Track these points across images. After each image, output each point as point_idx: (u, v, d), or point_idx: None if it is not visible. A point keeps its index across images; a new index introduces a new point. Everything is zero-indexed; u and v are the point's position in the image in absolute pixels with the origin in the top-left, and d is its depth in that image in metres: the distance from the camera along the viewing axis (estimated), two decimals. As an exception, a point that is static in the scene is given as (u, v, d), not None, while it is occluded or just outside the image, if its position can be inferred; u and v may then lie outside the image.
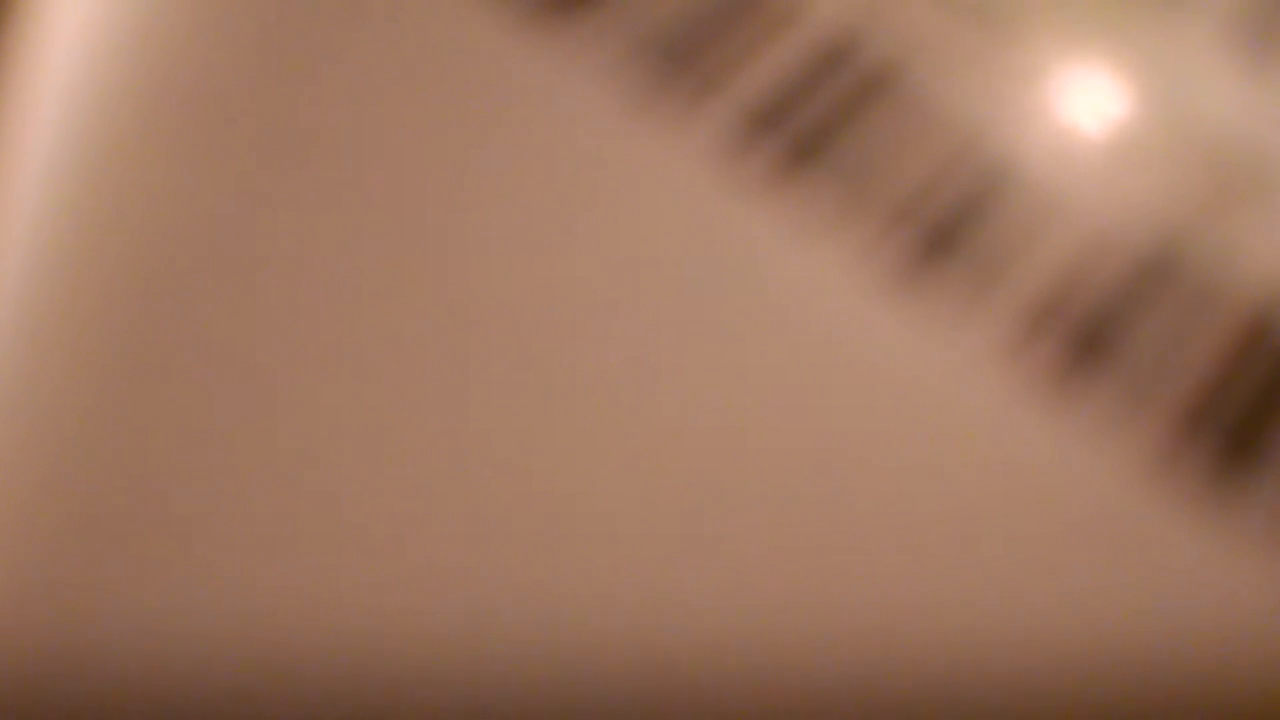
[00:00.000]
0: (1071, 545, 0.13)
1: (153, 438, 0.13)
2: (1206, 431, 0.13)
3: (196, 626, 0.12)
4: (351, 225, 0.14)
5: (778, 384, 0.13)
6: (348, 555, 0.13)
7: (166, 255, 0.14)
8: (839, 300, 0.14)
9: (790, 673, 0.12)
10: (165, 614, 0.13)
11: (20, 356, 0.14)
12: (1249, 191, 0.14)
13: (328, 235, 0.14)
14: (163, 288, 0.14)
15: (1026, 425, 0.13)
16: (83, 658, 0.12)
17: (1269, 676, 0.13)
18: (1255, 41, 0.15)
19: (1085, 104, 0.15)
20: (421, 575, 0.13)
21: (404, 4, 0.14)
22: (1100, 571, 0.13)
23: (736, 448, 0.13)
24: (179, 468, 0.13)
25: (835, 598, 0.13)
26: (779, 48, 0.15)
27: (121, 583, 0.13)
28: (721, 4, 0.15)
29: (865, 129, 0.14)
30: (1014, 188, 0.14)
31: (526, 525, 0.13)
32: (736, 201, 0.14)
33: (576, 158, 0.14)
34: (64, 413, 0.13)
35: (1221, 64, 0.15)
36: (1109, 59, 0.15)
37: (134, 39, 0.15)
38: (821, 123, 0.14)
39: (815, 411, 0.13)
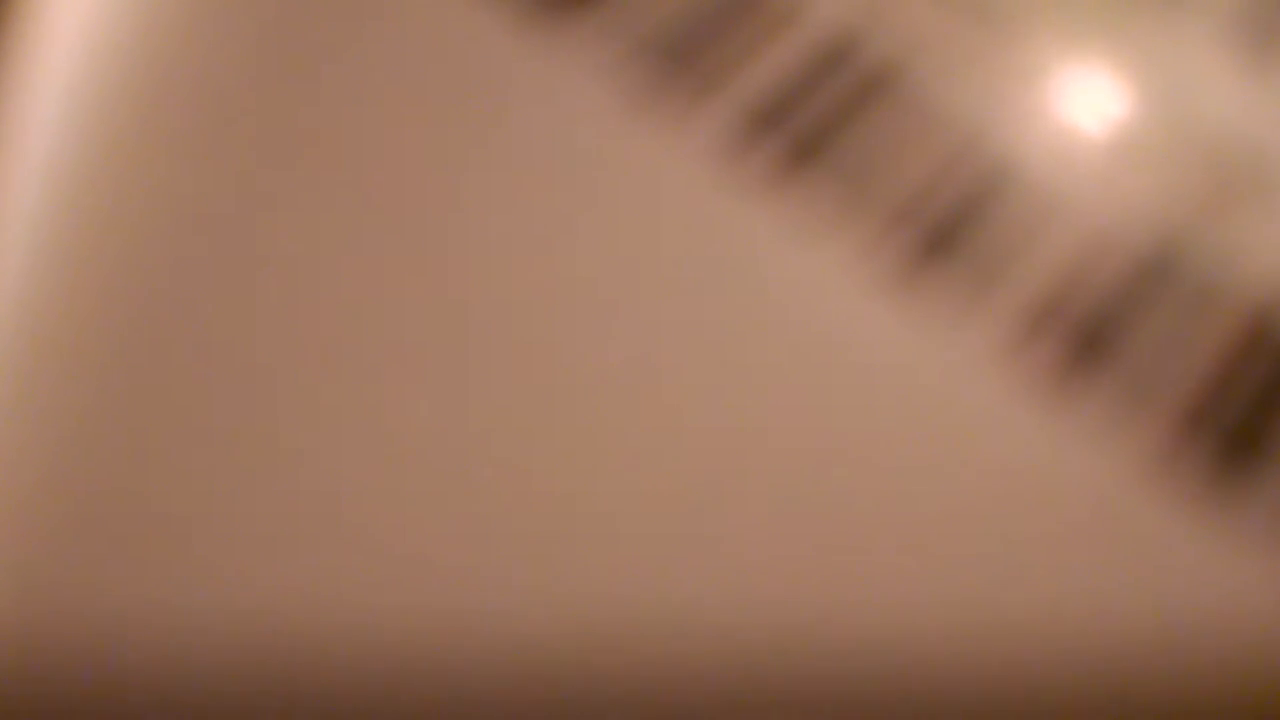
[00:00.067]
0: (1071, 545, 0.13)
1: (152, 437, 0.13)
2: (1207, 431, 0.13)
3: (196, 626, 0.12)
4: (351, 224, 0.14)
5: (777, 383, 0.13)
6: (347, 554, 0.13)
7: (166, 255, 0.14)
8: (839, 300, 0.14)
9: (790, 672, 0.12)
10: (165, 613, 0.13)
11: (20, 356, 0.14)
12: (1249, 191, 0.14)
13: (327, 235, 0.14)
14: (162, 287, 0.14)
15: (1026, 425, 0.13)
16: (82, 657, 0.12)
17: (1270, 676, 0.13)
18: (1256, 41, 0.15)
19: (1085, 104, 0.15)
20: (421, 574, 0.13)
21: (404, 3, 0.14)
22: (1100, 571, 0.13)
23: (736, 447, 0.13)
24: (179, 467, 0.13)
25: (835, 597, 0.13)
26: (779, 47, 0.15)
27: (121, 582, 0.13)
28: (722, 3, 0.15)
29: (865, 129, 0.14)
30: (1014, 187, 0.14)
31: (526, 524, 0.13)
32: (736, 201, 0.14)
33: (577, 157, 0.14)
34: (63, 412, 0.13)
35: (1222, 64, 0.15)
36: (1109, 59, 0.15)
37: (134, 39, 0.15)
38: (822, 122, 0.14)
39: (815, 411, 0.13)
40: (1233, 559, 0.13)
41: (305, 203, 0.14)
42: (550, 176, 0.14)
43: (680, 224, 0.14)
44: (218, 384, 0.13)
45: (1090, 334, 0.14)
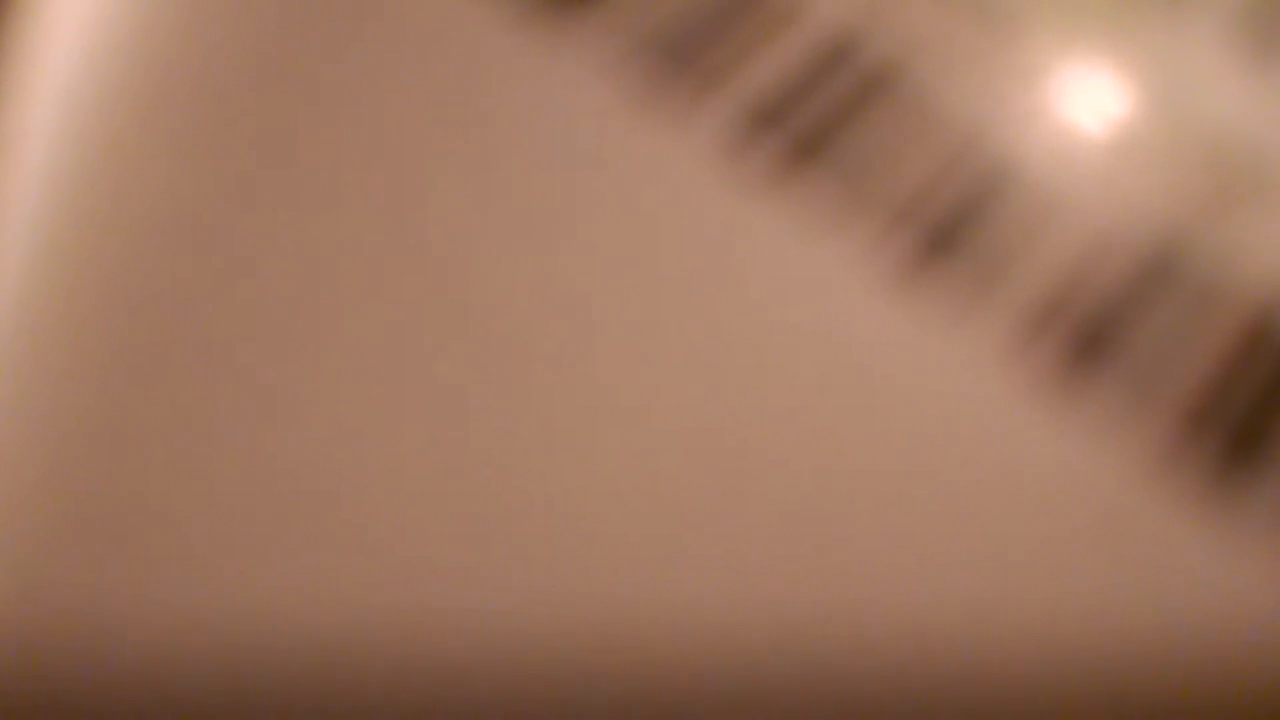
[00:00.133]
0: (1073, 544, 0.13)
1: (152, 437, 0.13)
2: (1209, 431, 0.13)
3: (196, 626, 0.12)
4: (351, 224, 0.14)
5: (778, 382, 0.13)
6: (347, 554, 0.13)
7: (166, 255, 0.14)
8: (840, 299, 0.14)
9: (791, 672, 0.12)
10: (165, 613, 0.13)
11: (20, 356, 0.13)
12: (1251, 191, 0.14)
13: (327, 234, 0.14)
14: (162, 287, 0.14)
15: (1028, 424, 0.13)
16: (82, 657, 0.12)
17: (1271, 676, 0.13)
18: (1257, 41, 0.15)
19: (1087, 103, 0.15)
20: (421, 574, 0.13)
21: (405, 3, 0.14)
22: (1102, 571, 0.13)
23: (736, 446, 0.13)
24: (178, 467, 0.13)
25: (836, 596, 0.13)
26: (780, 46, 0.15)
27: (121, 582, 0.13)
28: (723, 2, 0.15)
29: (866, 128, 0.14)
30: (1015, 187, 0.14)
31: (527, 524, 0.13)
32: (737, 200, 0.14)
33: (578, 156, 0.14)
34: (63, 412, 0.13)
35: (1223, 63, 0.15)
36: (1110, 58, 0.15)
37: (134, 39, 0.15)
38: (822, 121, 0.14)
39: (816, 410, 0.13)
40: (1234, 558, 0.13)
41: (305, 202, 0.14)
42: (551, 175, 0.14)
43: (681, 222, 0.14)
44: (217, 384, 0.13)
45: (1092, 333, 0.14)
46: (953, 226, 0.14)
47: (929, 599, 0.13)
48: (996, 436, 0.13)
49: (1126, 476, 0.13)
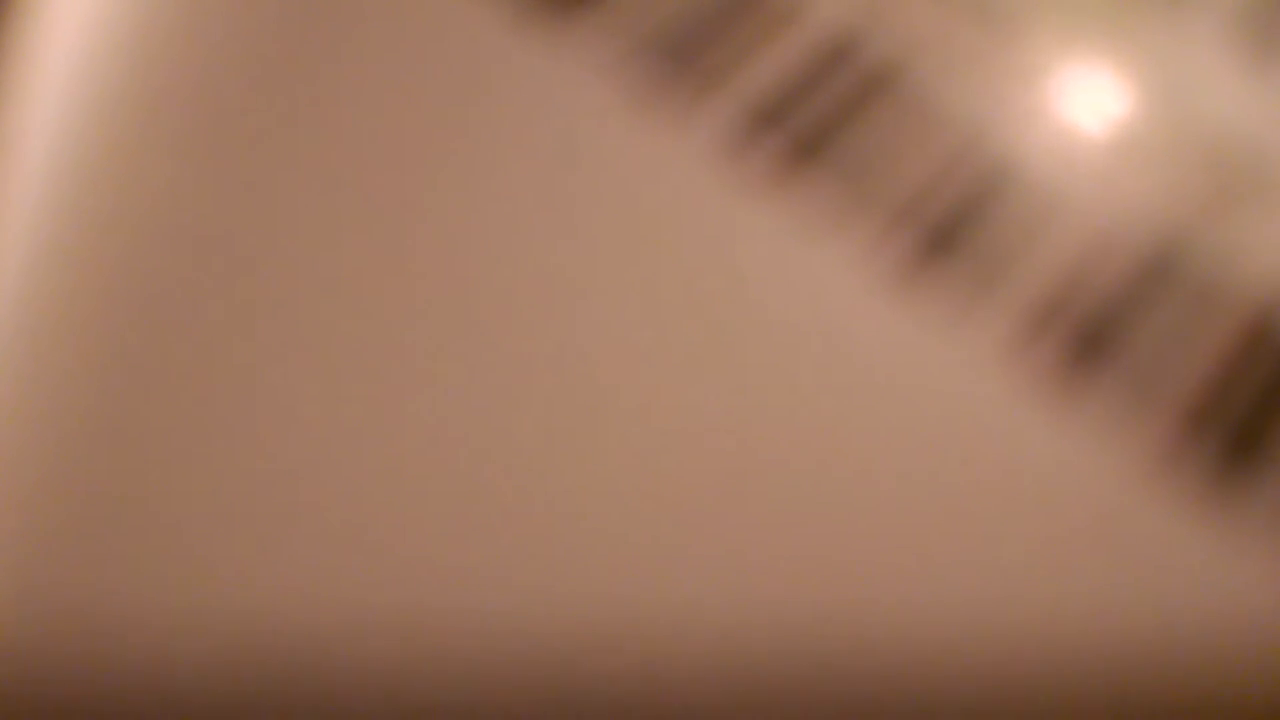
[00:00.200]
0: (1073, 544, 0.13)
1: (152, 437, 0.13)
2: (1209, 431, 0.13)
3: (196, 626, 0.12)
4: (351, 223, 0.14)
5: (777, 382, 0.13)
6: (348, 554, 0.13)
7: (167, 254, 0.14)
8: (840, 299, 0.14)
9: (791, 672, 0.12)
10: (165, 614, 0.12)
11: (20, 356, 0.13)
12: (1251, 191, 0.14)
13: (327, 234, 0.14)
14: (163, 287, 0.14)
15: (1028, 424, 0.13)
16: (82, 657, 0.12)
17: (1271, 676, 0.13)
18: (1257, 41, 0.15)
19: (1086, 103, 0.15)
20: (421, 574, 0.13)
21: (404, 3, 0.14)
22: (1102, 571, 0.13)
23: (737, 446, 0.13)
24: (179, 467, 0.13)
25: (836, 596, 0.13)
26: (780, 46, 0.15)
27: (120, 582, 0.13)
28: (723, 2, 0.15)
29: (866, 128, 0.14)
30: (1015, 187, 0.14)
31: (527, 523, 0.13)
32: (738, 200, 0.14)
33: (578, 156, 0.14)
34: (63, 412, 0.13)
35: (1223, 63, 0.15)
36: (1110, 58, 0.15)
37: (134, 39, 0.15)
38: (823, 121, 0.14)
39: (816, 409, 0.13)
40: (1234, 558, 0.13)
41: (304, 202, 0.14)
42: (552, 175, 0.14)
43: (681, 222, 0.14)
44: (217, 383, 0.13)
45: (1092, 333, 0.14)
46: (953, 226, 0.14)
47: (929, 599, 0.13)
48: (996, 436, 0.13)
49: (1126, 476, 0.13)
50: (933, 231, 0.14)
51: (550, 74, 0.14)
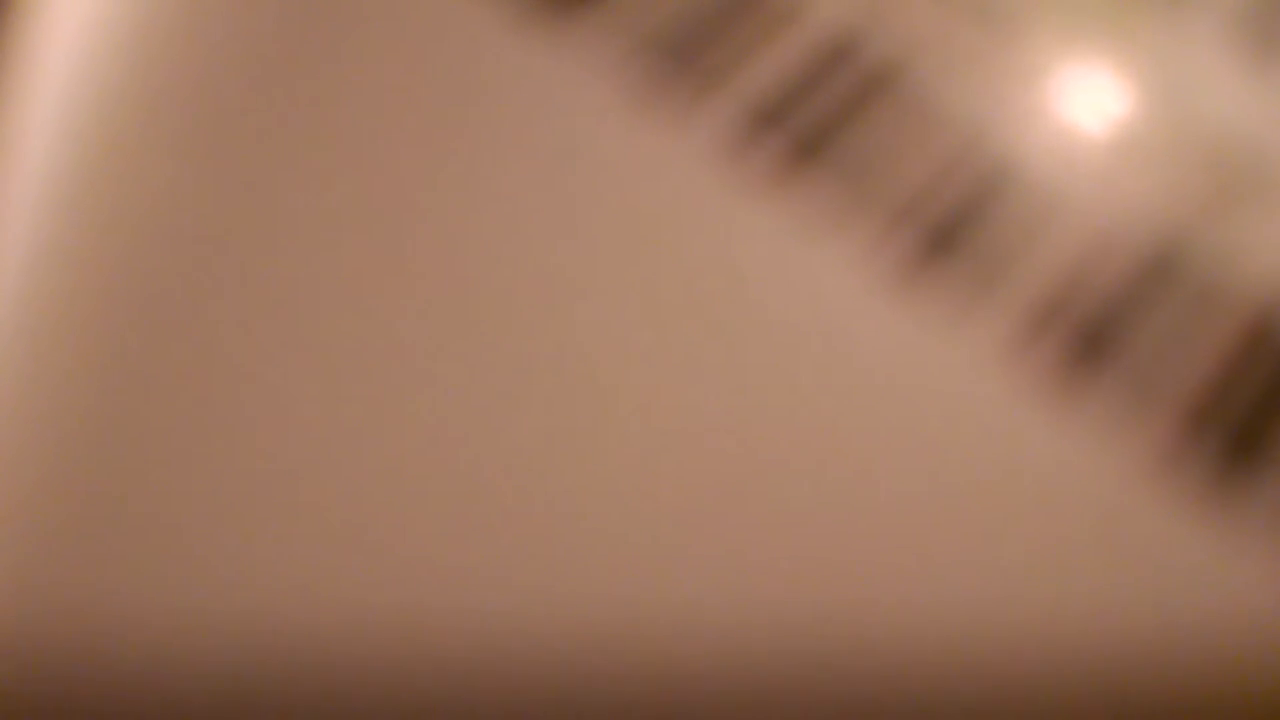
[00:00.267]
0: (1073, 544, 0.13)
1: (152, 437, 0.13)
2: (1209, 431, 0.13)
3: (197, 626, 0.12)
4: (351, 223, 0.14)
5: (778, 382, 0.13)
6: (348, 553, 0.13)
7: (167, 254, 0.14)
8: (840, 299, 0.14)
9: (790, 672, 0.12)
10: (165, 613, 0.12)
11: (20, 356, 0.13)
12: (1251, 191, 0.14)
13: (327, 234, 0.14)
14: (163, 286, 0.14)
15: (1028, 424, 0.13)
16: (82, 657, 0.12)
17: (1272, 676, 0.13)
18: (1257, 40, 0.15)
19: (1087, 103, 0.15)
20: (422, 574, 0.13)
21: (404, 3, 0.14)
22: (1103, 571, 0.13)
23: (737, 446, 0.13)
24: (179, 467, 0.13)
25: (836, 596, 0.13)
26: (781, 46, 0.15)
27: (120, 582, 0.13)
28: (723, 2, 0.15)
29: (867, 128, 0.14)
30: (1016, 187, 0.14)
31: (526, 523, 0.13)
32: (738, 200, 0.14)
33: (578, 155, 0.14)
34: (63, 412, 0.13)
35: (1224, 63, 0.15)
36: (1111, 58, 0.15)
37: (134, 39, 0.15)
38: (823, 121, 0.14)
39: (816, 409, 0.13)
40: (1235, 559, 0.13)
41: (304, 202, 0.14)
42: (552, 175, 0.14)
43: (681, 222, 0.14)
44: (217, 383, 0.13)
45: (1092, 333, 0.14)
46: (953, 226, 0.14)
47: (929, 599, 0.13)
48: (997, 436, 0.13)
49: (1127, 476, 0.13)
50: (933, 231, 0.14)
51: (550, 73, 0.14)
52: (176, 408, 0.13)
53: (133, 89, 0.14)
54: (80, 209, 0.14)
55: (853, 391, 0.13)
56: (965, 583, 0.13)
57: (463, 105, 0.14)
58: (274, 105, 0.14)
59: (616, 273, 0.14)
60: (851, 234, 0.14)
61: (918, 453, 0.13)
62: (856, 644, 0.13)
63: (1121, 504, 0.13)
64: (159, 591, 0.13)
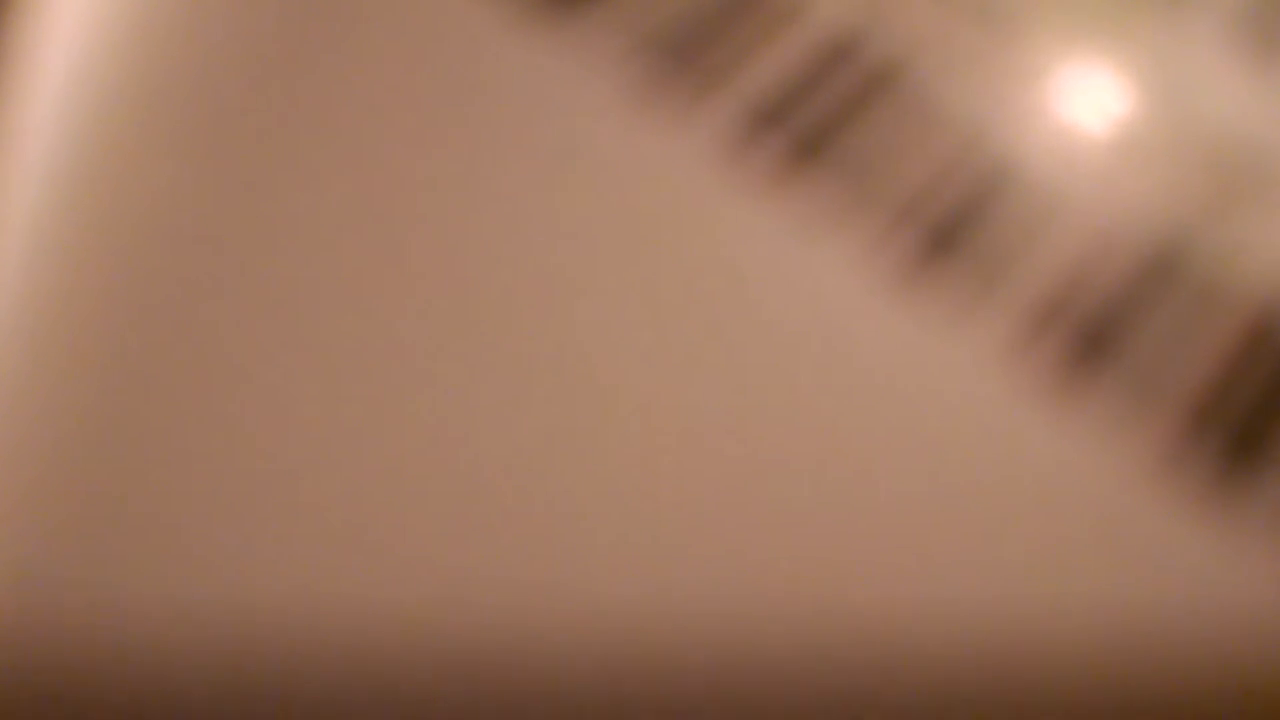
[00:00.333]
0: (1074, 544, 0.13)
1: (152, 435, 0.13)
2: (1211, 431, 0.13)
3: (197, 623, 0.12)
4: (351, 221, 0.14)
5: (778, 382, 0.13)
6: (347, 549, 0.13)
7: (167, 253, 0.14)
8: (841, 298, 0.14)
9: (790, 672, 0.12)
10: (165, 611, 0.12)
11: (19, 353, 0.13)
12: (1252, 191, 0.14)
13: (327, 233, 0.14)
14: (163, 285, 0.14)
15: (1029, 424, 0.13)
16: (82, 654, 0.12)
17: (1273, 676, 0.13)
18: (1258, 40, 0.15)
19: (1088, 103, 0.15)
20: (421, 571, 0.13)
21: (404, 2, 0.14)
22: (1104, 571, 0.13)
23: (737, 446, 0.13)
24: (179, 465, 0.13)
25: (836, 596, 0.13)
26: (781, 45, 0.14)
27: (120, 579, 0.13)
28: (724, 1, 0.15)
29: (868, 127, 0.14)
30: (1017, 187, 0.14)
31: (525, 522, 0.13)
32: (738, 199, 0.14)
33: (579, 155, 0.14)
34: (63, 410, 0.13)
35: (1225, 63, 0.15)
36: (1111, 58, 0.15)
37: (134, 38, 0.15)
38: (824, 121, 0.14)
39: (817, 409, 0.13)
40: (1236, 558, 0.13)
41: (304, 201, 0.14)
42: (552, 174, 0.14)
43: (682, 222, 0.14)
44: (217, 381, 0.13)
45: (1093, 333, 0.14)
46: (954, 226, 0.14)
47: (930, 599, 0.13)
48: (998, 436, 0.13)
49: (1128, 476, 0.13)
50: (934, 231, 0.14)
51: (550, 72, 0.14)
52: (176, 405, 0.13)
53: (132, 88, 0.14)
54: (80, 209, 0.14)
55: (853, 391, 0.13)
56: (966, 583, 0.13)
57: (463, 104, 0.14)
58: (274, 104, 0.14)
59: (617, 272, 0.14)
60: (852, 233, 0.14)
61: (918, 453, 0.13)
62: (857, 644, 0.13)
63: (1122, 504, 0.13)
64: (158, 588, 0.13)
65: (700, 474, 0.13)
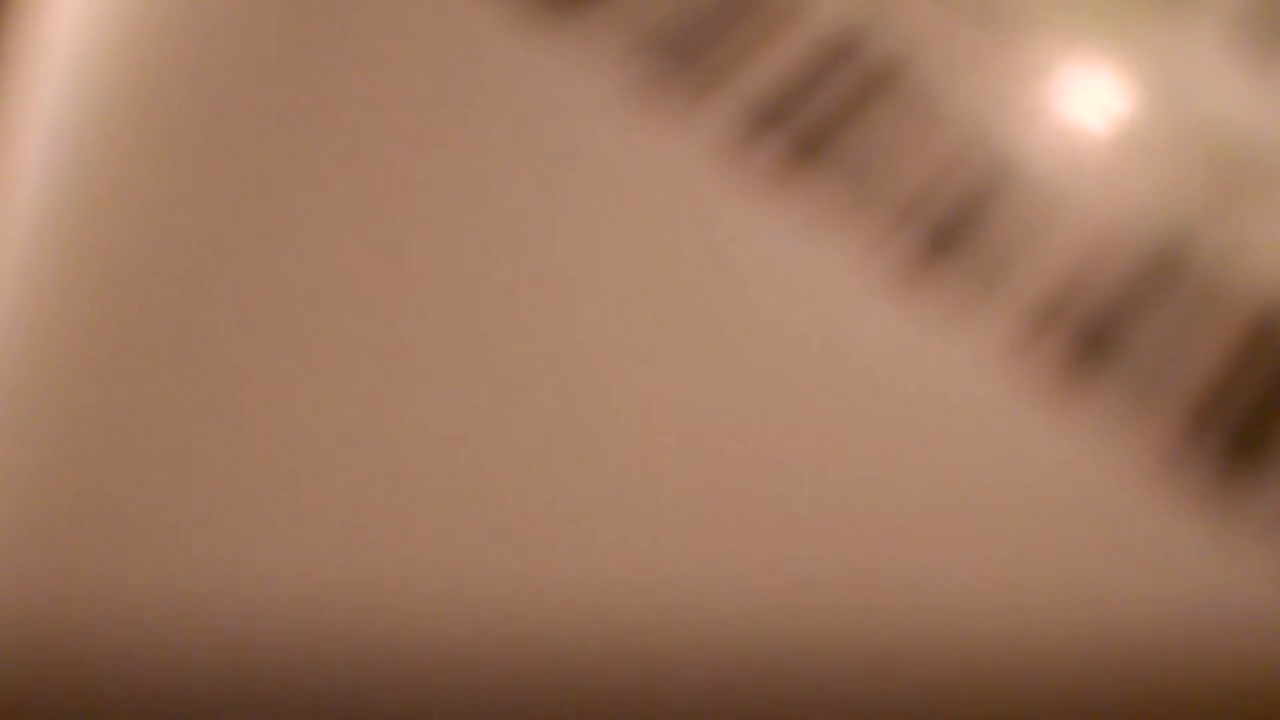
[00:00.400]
0: (1075, 544, 0.13)
1: (150, 432, 0.13)
2: (1212, 430, 0.13)
3: (195, 620, 0.12)
4: (350, 220, 0.14)
5: (778, 381, 0.13)
6: (345, 545, 0.13)
7: (166, 252, 0.14)
8: (842, 297, 0.14)
9: (789, 672, 0.12)
10: (164, 608, 0.12)
11: (19, 353, 0.13)
12: (1253, 190, 0.14)
13: (327, 232, 0.14)
14: (163, 283, 0.14)
15: (1030, 424, 0.13)
16: (80, 651, 0.12)
17: (1273, 676, 0.13)
18: (1259, 39, 0.15)
19: (1089, 102, 0.14)
20: (420, 567, 0.13)
21: (404, 2, 0.14)
22: (1104, 570, 0.13)
23: (738, 446, 0.13)
24: (178, 463, 0.13)
25: (836, 596, 0.13)
26: (782, 44, 0.14)
27: (119, 576, 0.13)
28: (724, 1, 0.15)
29: (869, 126, 0.14)
30: (1017, 185, 0.14)
31: (525, 521, 0.13)
32: (739, 198, 0.14)
33: (579, 154, 0.14)
34: (62, 408, 0.13)
35: (1226, 62, 0.15)
36: (1113, 57, 0.15)
37: (133, 38, 0.15)
38: (825, 120, 0.14)
39: (817, 409, 0.13)
40: (1237, 558, 0.13)
41: (305, 200, 0.14)
42: (552, 174, 0.14)
43: (682, 221, 0.14)
44: (216, 379, 0.13)
45: (1093, 333, 0.14)
46: (954, 225, 0.14)
47: (930, 599, 0.13)
48: (998, 436, 0.13)
49: (1129, 476, 0.13)
50: (934, 230, 0.14)
51: (551, 72, 0.14)
52: (176, 403, 0.13)
53: (132, 88, 0.14)
54: (79, 204, 0.14)
55: (853, 391, 0.13)
56: (966, 583, 0.13)
57: (463, 104, 0.14)
58: (274, 104, 0.14)
59: (617, 272, 0.14)
60: (852, 233, 0.14)
61: (918, 452, 0.13)
62: (857, 644, 0.13)
63: (1122, 504, 0.13)
64: (158, 586, 0.13)
65: (701, 473, 0.13)
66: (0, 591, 0.13)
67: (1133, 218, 0.14)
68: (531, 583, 0.13)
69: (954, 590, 0.13)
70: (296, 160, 0.14)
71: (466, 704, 0.12)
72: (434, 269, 0.14)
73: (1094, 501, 0.13)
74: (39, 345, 0.14)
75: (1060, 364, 0.13)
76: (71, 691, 0.12)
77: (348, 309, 0.13)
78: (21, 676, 0.12)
